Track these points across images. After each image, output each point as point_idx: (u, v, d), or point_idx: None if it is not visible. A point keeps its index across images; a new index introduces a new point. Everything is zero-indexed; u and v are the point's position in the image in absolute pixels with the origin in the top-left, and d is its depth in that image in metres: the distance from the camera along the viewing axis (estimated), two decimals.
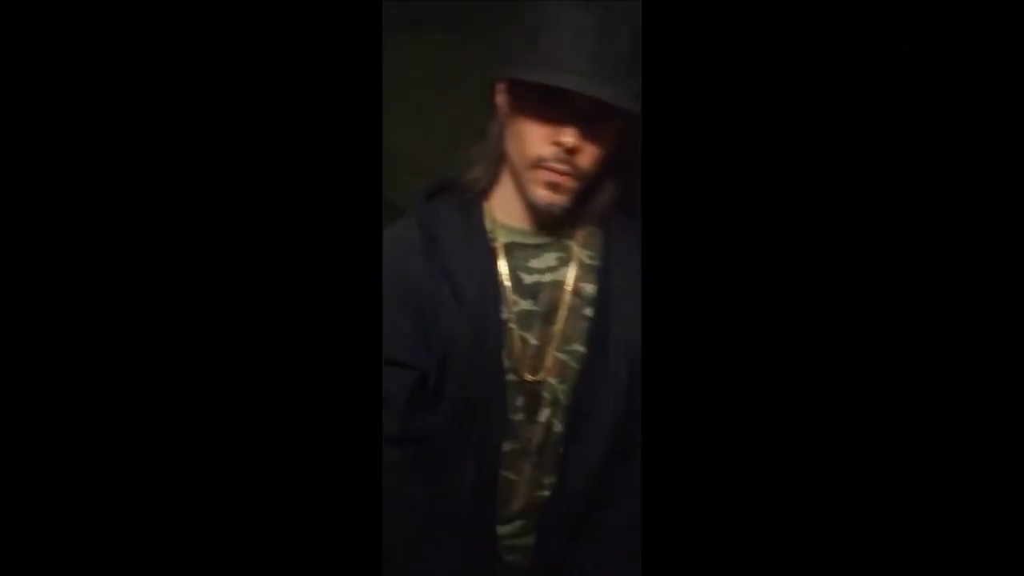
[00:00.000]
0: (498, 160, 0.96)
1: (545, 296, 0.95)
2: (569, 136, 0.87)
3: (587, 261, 0.97)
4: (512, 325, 0.94)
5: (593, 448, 0.94)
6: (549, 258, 0.96)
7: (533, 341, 0.94)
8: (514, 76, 0.88)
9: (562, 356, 0.94)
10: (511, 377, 0.94)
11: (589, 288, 0.96)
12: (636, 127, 0.89)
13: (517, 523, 0.95)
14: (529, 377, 0.94)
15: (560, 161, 0.89)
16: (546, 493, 0.95)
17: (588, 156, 0.90)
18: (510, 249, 0.96)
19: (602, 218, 0.97)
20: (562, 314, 0.95)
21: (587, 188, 0.94)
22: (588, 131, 0.88)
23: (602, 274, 0.96)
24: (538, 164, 0.90)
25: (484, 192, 0.97)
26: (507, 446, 0.94)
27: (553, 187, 0.90)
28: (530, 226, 0.97)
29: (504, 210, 0.97)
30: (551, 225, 0.96)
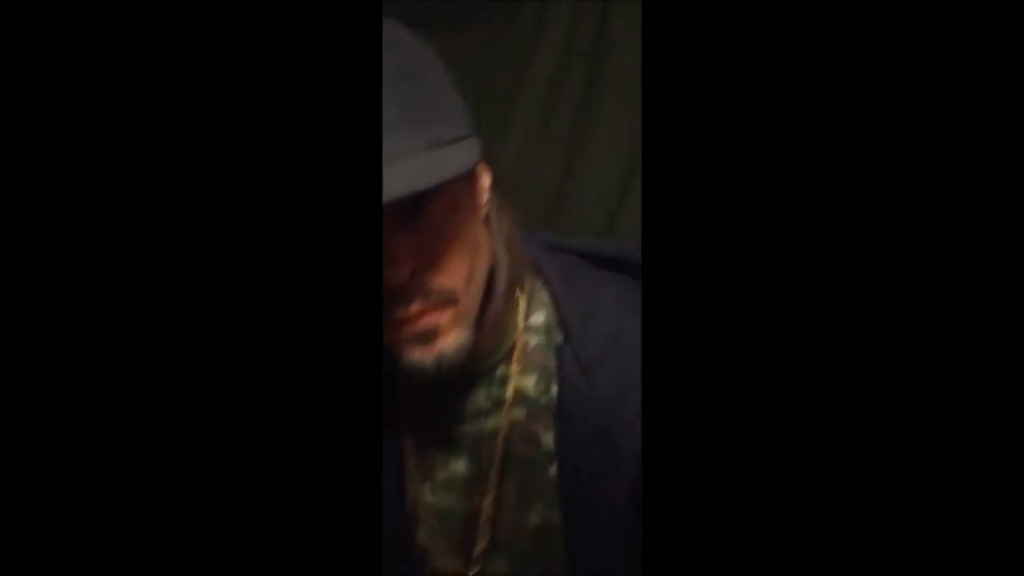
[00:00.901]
0: None
1: (485, 451, 0.67)
2: (394, 268, 0.60)
3: (533, 395, 0.67)
4: (435, 502, 0.68)
5: None
6: (482, 397, 0.68)
7: (469, 510, 0.68)
8: None
9: (516, 523, 0.68)
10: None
11: (542, 435, 0.68)
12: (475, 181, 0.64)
13: None
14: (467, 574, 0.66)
15: (407, 302, 0.62)
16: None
17: (445, 270, 0.62)
18: (425, 392, 0.68)
19: (524, 307, 0.68)
20: (518, 472, 0.67)
21: (486, 297, 0.66)
22: (419, 238, 0.61)
23: (559, 411, 0.66)
24: (397, 324, 0.62)
25: None
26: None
27: (426, 338, 0.62)
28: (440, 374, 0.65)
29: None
30: (468, 367, 0.66)
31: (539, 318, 0.69)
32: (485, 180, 0.66)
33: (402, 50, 0.64)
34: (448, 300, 0.62)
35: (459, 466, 0.68)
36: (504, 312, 0.67)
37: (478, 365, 0.68)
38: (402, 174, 0.58)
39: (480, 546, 0.67)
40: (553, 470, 0.66)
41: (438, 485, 0.69)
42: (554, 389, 0.67)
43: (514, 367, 0.68)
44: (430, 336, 0.62)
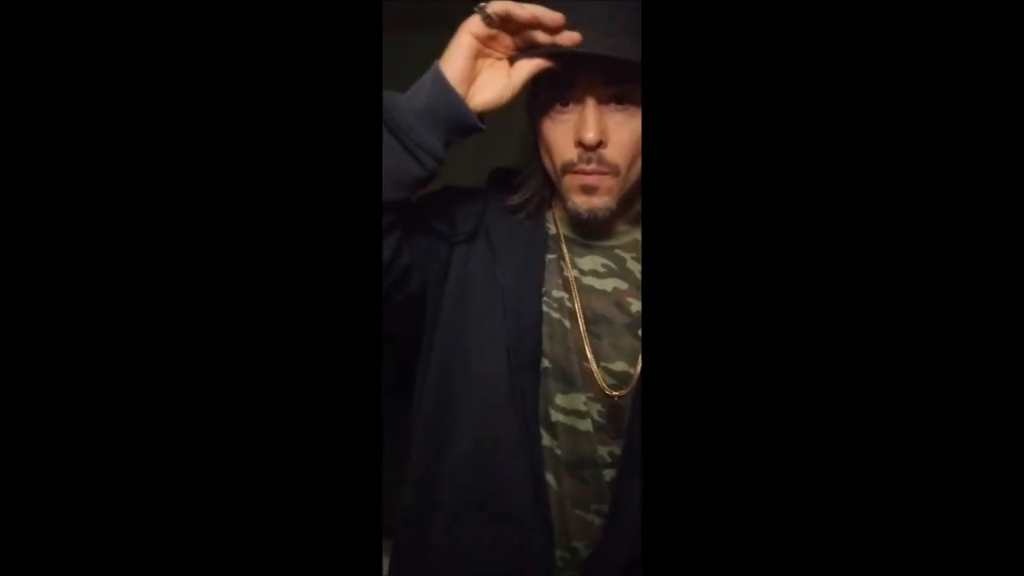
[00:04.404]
0: (544, 178, 0.92)
1: (585, 300, 0.91)
2: (589, 131, 0.83)
3: (639, 276, 0.91)
4: (551, 311, 0.90)
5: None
6: (594, 261, 0.92)
7: (567, 325, 0.90)
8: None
9: (597, 371, 0.89)
10: (546, 364, 0.89)
11: (636, 305, 0.90)
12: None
13: (558, 553, 0.89)
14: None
15: (588, 162, 0.85)
16: (594, 518, 0.89)
17: (618, 149, 0.85)
18: (565, 240, 0.93)
19: None
20: (602, 327, 0.90)
21: (635, 188, 0.90)
22: (612, 121, 0.85)
23: None
24: (567, 170, 0.86)
25: (544, 203, 0.95)
26: (547, 439, 0.89)
27: (588, 190, 0.86)
28: (580, 231, 0.93)
29: (560, 212, 0.94)
30: (603, 232, 0.92)
31: None
32: None
33: None
34: (613, 171, 0.86)
35: (564, 302, 0.91)
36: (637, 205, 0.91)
37: (606, 241, 0.93)
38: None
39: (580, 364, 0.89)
40: (636, 330, 0.89)
41: (555, 304, 0.92)
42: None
43: (630, 250, 0.92)
44: (591, 190, 0.86)
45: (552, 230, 0.94)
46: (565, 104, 0.85)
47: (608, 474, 0.88)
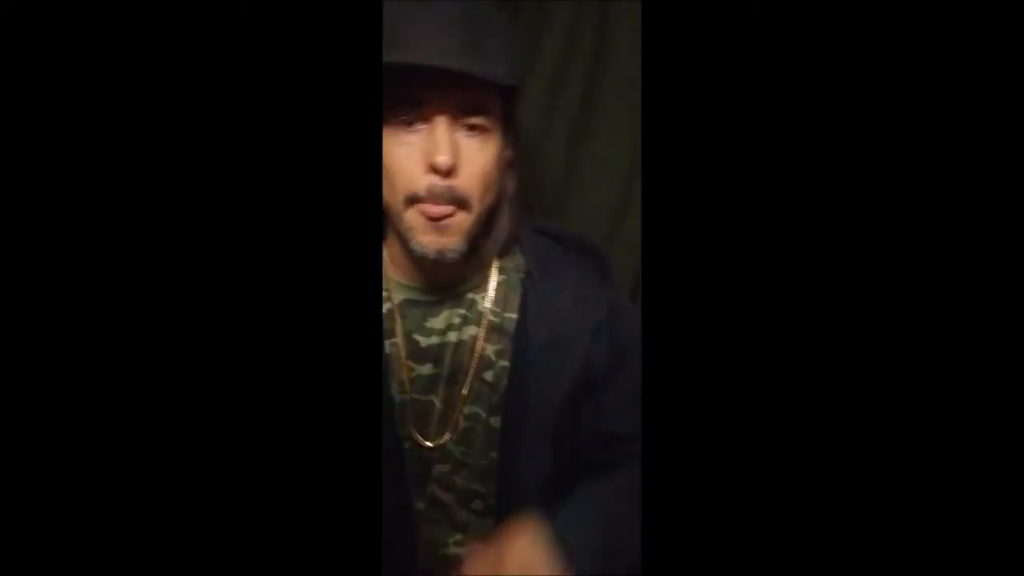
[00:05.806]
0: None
1: (447, 359, 0.86)
2: (442, 153, 0.75)
3: (492, 318, 0.87)
4: (409, 393, 0.86)
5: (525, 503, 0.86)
6: (450, 316, 0.86)
7: (439, 404, 0.87)
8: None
9: (466, 422, 0.87)
10: (407, 444, 0.88)
11: (491, 349, 0.87)
12: (519, 132, 0.81)
13: None
14: (427, 444, 0.86)
15: (439, 193, 0.76)
16: (459, 551, 0.89)
17: (470, 180, 0.77)
18: (404, 308, 0.86)
19: (503, 248, 0.86)
20: (467, 378, 0.87)
21: (483, 226, 0.82)
22: (464, 148, 0.77)
23: (518, 328, 0.86)
24: (414, 201, 0.77)
25: None
26: (419, 505, 0.89)
27: (439, 229, 0.77)
28: (424, 282, 0.85)
29: (396, 265, 0.86)
30: (450, 280, 0.85)
31: (509, 263, 0.88)
32: (515, 140, 0.81)
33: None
34: (464, 205, 0.77)
35: (426, 370, 0.86)
36: (494, 246, 0.84)
37: (456, 288, 0.86)
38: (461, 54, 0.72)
39: (436, 434, 0.86)
40: (488, 376, 0.85)
41: (408, 381, 0.86)
42: (512, 316, 0.85)
43: (481, 292, 0.86)
44: (441, 228, 0.76)
45: (387, 305, 0.85)
46: (411, 124, 0.77)
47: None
